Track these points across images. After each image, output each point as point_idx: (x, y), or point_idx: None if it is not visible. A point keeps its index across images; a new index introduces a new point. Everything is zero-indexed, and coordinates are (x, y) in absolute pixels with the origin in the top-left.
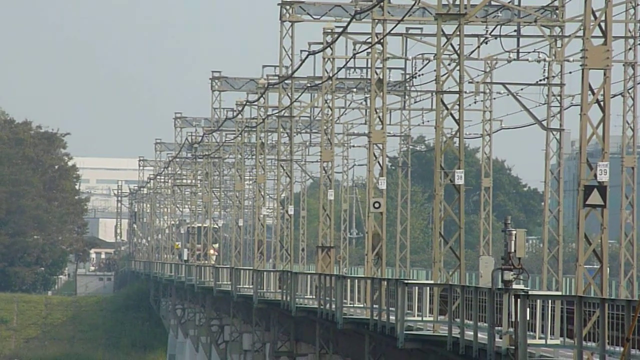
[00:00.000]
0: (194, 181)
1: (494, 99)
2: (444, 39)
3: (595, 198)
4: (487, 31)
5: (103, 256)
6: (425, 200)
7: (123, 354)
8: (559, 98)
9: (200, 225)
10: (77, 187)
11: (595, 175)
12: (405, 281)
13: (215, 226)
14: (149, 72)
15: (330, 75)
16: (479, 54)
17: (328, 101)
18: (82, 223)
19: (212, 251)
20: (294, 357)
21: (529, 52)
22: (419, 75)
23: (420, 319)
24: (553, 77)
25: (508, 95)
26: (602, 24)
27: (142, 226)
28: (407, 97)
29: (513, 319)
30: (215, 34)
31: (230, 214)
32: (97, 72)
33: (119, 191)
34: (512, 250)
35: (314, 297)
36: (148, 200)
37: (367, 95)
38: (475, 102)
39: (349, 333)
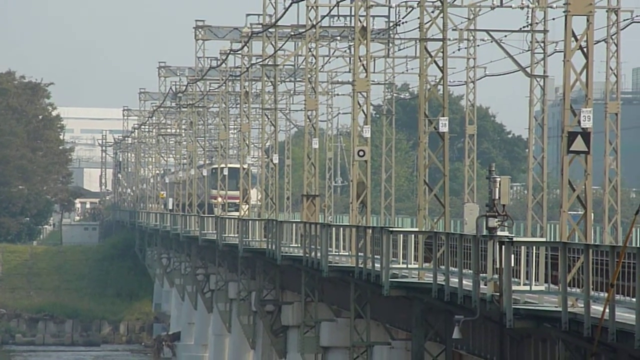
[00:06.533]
0: (178, 130)
1: (478, 46)
2: None
3: (579, 144)
4: None
5: (88, 206)
6: (410, 148)
7: (109, 303)
8: (542, 45)
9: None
10: (61, 137)
11: (579, 122)
12: (390, 229)
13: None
14: (133, 21)
15: (314, 23)
16: (463, 1)
17: (312, 49)
18: (66, 173)
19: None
20: (280, 306)
21: None
22: (403, 23)
23: (405, 266)
24: (536, 23)
25: (492, 42)
26: None
27: (126, 176)
28: (391, 45)
29: (498, 266)
30: None
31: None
32: (80, 21)
33: (104, 141)
34: (497, 197)
35: (299, 245)
36: (132, 150)
37: (351, 44)
38: (459, 50)
39: (334, 281)
